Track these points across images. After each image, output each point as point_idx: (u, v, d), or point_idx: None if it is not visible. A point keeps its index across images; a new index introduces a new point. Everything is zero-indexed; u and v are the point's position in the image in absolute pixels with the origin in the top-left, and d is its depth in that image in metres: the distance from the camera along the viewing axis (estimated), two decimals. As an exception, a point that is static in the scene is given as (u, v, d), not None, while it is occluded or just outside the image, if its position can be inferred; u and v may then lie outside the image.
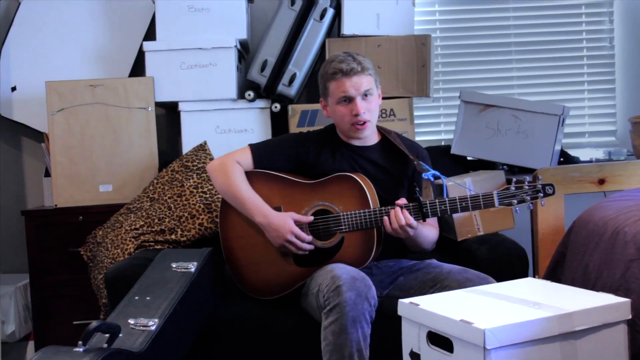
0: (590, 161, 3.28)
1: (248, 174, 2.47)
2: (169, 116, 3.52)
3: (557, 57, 3.76)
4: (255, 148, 2.51)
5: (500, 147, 3.06)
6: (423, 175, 2.35)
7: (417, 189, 2.31)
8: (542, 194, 2.18)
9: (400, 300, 1.92)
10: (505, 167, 3.19)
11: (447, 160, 3.19)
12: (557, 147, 3.06)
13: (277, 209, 2.41)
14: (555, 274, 2.37)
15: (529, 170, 3.02)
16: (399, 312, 1.91)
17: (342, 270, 2.20)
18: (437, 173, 2.36)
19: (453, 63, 3.77)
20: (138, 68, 3.40)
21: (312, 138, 2.53)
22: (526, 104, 3.05)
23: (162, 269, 2.26)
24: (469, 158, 3.26)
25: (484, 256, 2.56)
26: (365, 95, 2.38)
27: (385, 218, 2.28)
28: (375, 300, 2.18)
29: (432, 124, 3.80)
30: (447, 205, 2.25)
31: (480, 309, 1.82)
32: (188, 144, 3.19)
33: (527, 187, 2.19)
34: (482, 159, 3.16)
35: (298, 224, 2.37)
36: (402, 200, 2.29)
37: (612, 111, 3.82)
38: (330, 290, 2.15)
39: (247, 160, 2.48)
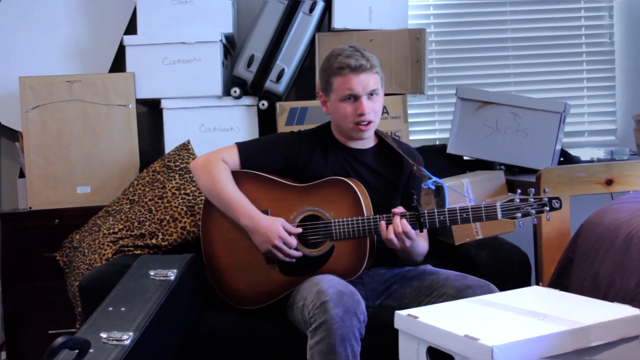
0: (592, 161, 3.19)
1: (234, 174, 2.33)
2: (151, 114, 3.39)
3: (555, 53, 3.66)
4: (242, 147, 2.37)
5: (498, 147, 2.95)
6: (423, 184, 2.21)
7: (414, 197, 2.16)
8: (547, 208, 2.05)
9: (397, 312, 1.77)
10: (502, 167, 3.07)
11: (442, 160, 3.07)
12: (558, 147, 2.94)
13: (265, 212, 2.27)
14: (561, 281, 2.23)
15: (529, 171, 2.91)
16: (396, 325, 1.76)
17: (328, 284, 2.06)
18: (439, 180, 2.22)
19: (448, 59, 3.66)
20: (119, 63, 3.27)
21: (304, 138, 2.39)
22: (526, 100, 2.94)
23: (140, 277, 2.11)
24: (465, 158, 3.16)
25: (484, 261, 2.44)
26: (372, 94, 2.25)
27: (382, 223, 2.15)
28: (364, 315, 2.05)
29: (426, 123, 3.69)
30: (447, 216, 2.12)
31: (485, 322, 1.67)
32: (171, 143, 3.07)
33: (532, 200, 2.05)
34: (479, 159, 3.04)
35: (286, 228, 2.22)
36: (400, 209, 2.17)
37: (612, 109, 3.72)
38: (315, 307, 2.02)
39: (234, 159, 2.34)
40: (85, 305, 2.27)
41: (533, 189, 2.04)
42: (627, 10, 3.66)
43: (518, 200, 2.06)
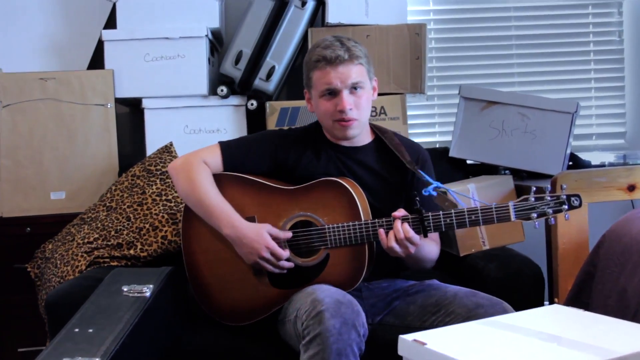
0: (603, 165, 2.98)
1: (217, 176, 2.14)
2: (131, 114, 3.21)
3: (561, 52, 3.50)
4: (225, 146, 2.18)
5: (505, 150, 2.77)
6: (423, 191, 2.00)
7: (417, 198, 1.96)
8: (566, 207, 1.85)
9: (402, 337, 1.55)
10: (507, 171, 2.88)
11: (444, 164, 2.89)
12: (568, 150, 2.76)
13: (250, 219, 2.08)
14: (580, 298, 2.02)
15: (538, 176, 2.72)
16: (400, 352, 1.54)
17: (324, 293, 1.86)
18: (441, 185, 2.02)
19: (448, 58, 3.48)
20: (98, 60, 3.10)
21: (294, 137, 2.20)
22: (535, 100, 2.76)
23: (111, 294, 1.90)
24: (468, 162, 2.97)
25: (493, 275, 2.25)
26: (354, 88, 2.05)
27: (381, 231, 1.95)
28: (365, 329, 1.85)
29: (425, 125, 3.51)
30: (454, 218, 1.92)
31: (504, 349, 1.45)
32: (153, 145, 2.89)
33: (549, 198, 1.85)
34: (484, 163, 2.85)
35: (275, 238, 2.03)
36: (401, 212, 1.97)
37: (621, 111, 3.55)
38: (310, 317, 1.82)
39: (216, 159, 2.15)
40: (52, 324, 2.06)
41: (549, 186, 1.85)
42: (638, 6, 3.51)
43: (533, 199, 1.86)
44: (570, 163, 2.90)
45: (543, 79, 3.48)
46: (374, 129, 2.21)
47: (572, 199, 1.84)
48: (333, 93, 2.05)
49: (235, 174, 2.14)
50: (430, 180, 2.04)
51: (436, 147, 3.31)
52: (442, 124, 3.47)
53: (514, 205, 1.87)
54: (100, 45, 3.04)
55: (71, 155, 2.87)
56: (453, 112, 3.19)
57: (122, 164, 2.89)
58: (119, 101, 2.98)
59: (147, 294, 1.91)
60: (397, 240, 1.92)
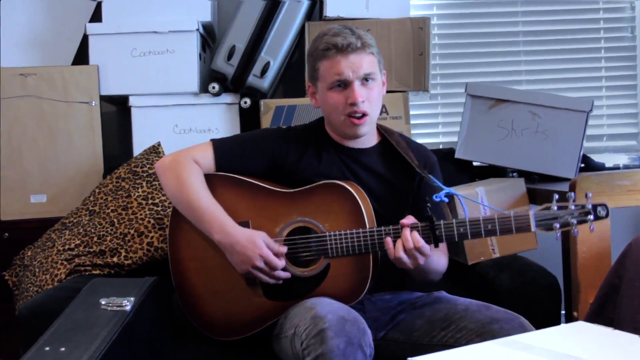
0: (617, 168, 2.87)
1: (208, 177, 1.99)
2: (118, 113, 3.08)
3: (571, 48, 3.37)
4: (218, 144, 2.03)
5: (514, 151, 2.61)
6: (435, 197, 1.85)
7: (428, 205, 1.80)
8: (592, 217, 1.69)
9: None
10: (515, 174, 2.73)
11: (449, 166, 2.73)
12: (582, 151, 2.60)
13: (244, 224, 1.93)
14: (604, 313, 1.86)
15: (550, 179, 2.57)
16: (409, 376, 1.37)
17: (326, 308, 1.70)
18: (452, 191, 1.86)
19: (452, 55, 3.35)
20: (83, 56, 2.94)
21: (294, 135, 2.04)
22: (547, 98, 2.60)
23: (88, 307, 1.73)
24: (475, 163, 2.82)
25: (505, 285, 2.11)
26: (366, 79, 1.90)
27: (388, 240, 1.79)
28: (371, 349, 1.70)
29: (428, 125, 3.37)
30: (468, 227, 1.76)
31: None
32: (140, 146, 2.77)
33: (573, 207, 1.69)
34: (493, 165, 2.70)
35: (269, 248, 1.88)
36: (410, 219, 1.81)
37: (633, 111, 3.41)
38: (311, 336, 1.66)
39: (208, 159, 2.00)
40: (25, 339, 1.90)
41: (573, 194, 1.68)
42: (650, 1, 3.36)
43: (556, 208, 1.70)
44: (582, 165, 2.76)
45: (551, 77, 3.36)
46: (380, 129, 2.06)
47: (599, 208, 1.68)
48: (343, 84, 1.90)
49: (228, 175, 2.00)
50: (442, 186, 1.88)
51: (440, 148, 3.17)
52: (446, 124, 3.35)
53: (535, 215, 1.71)
54: (85, 40, 2.90)
55: (53, 156, 2.76)
56: (457, 111, 3.15)
57: (108, 165, 2.77)
58: (105, 99, 2.86)
59: (128, 308, 1.75)
60: (406, 251, 1.77)
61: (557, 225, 1.69)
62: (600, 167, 2.81)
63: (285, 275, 1.88)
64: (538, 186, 2.46)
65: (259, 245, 1.84)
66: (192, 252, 1.99)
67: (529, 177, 2.61)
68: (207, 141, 2.03)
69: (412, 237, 1.76)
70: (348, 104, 1.89)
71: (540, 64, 3.35)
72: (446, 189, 1.86)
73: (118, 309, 1.74)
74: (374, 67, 1.91)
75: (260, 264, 1.84)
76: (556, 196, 1.71)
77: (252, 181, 1.97)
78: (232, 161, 2.00)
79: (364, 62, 1.88)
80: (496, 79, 3.32)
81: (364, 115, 1.91)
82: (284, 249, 1.88)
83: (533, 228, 1.71)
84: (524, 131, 2.60)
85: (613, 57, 3.39)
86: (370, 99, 1.91)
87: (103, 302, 1.76)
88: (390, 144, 2.02)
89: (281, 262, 1.87)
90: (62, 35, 3.00)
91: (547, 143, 2.57)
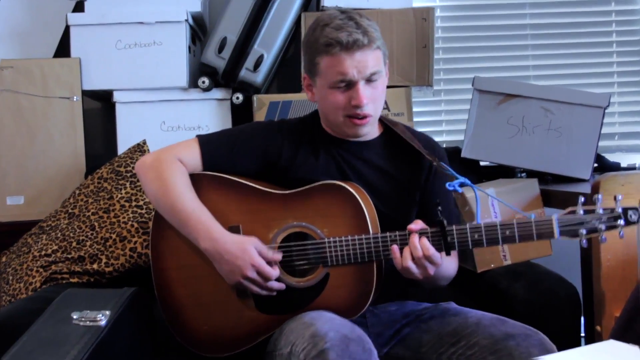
0: (634, 168, 2.72)
1: (194, 177, 1.84)
2: (102, 109, 2.99)
3: (580, 42, 3.24)
4: (205, 141, 1.88)
5: (525, 149, 2.45)
6: (447, 185, 1.69)
7: (439, 208, 1.63)
8: (622, 222, 1.52)
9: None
10: (524, 174, 2.59)
11: (454, 166, 2.52)
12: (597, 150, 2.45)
13: (234, 229, 1.78)
14: (632, 327, 1.69)
15: (564, 179, 2.42)
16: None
17: (327, 325, 1.55)
18: (467, 181, 1.70)
19: (456, 49, 3.22)
20: (65, 48, 2.84)
21: (288, 129, 1.89)
22: (560, 92, 2.44)
23: (57, 322, 1.56)
24: (482, 163, 2.68)
25: (520, 296, 1.95)
26: (370, 80, 1.75)
27: (395, 248, 1.63)
28: (378, 370, 1.54)
29: (431, 123, 3.23)
30: (484, 233, 1.60)
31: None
32: (125, 145, 2.65)
33: (601, 212, 1.53)
34: (502, 165, 2.55)
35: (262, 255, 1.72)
36: (418, 224, 1.65)
37: (646, 108, 3.29)
38: (310, 356, 1.50)
39: (194, 157, 1.85)
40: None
41: (600, 196, 1.52)
42: (665, -7, 3.24)
43: (582, 212, 1.54)
44: (596, 165, 2.61)
45: (560, 72, 3.22)
46: (383, 120, 1.90)
47: (630, 212, 1.51)
48: (347, 84, 1.74)
49: (216, 175, 1.85)
50: (455, 174, 1.73)
51: (444, 147, 3.01)
52: (450, 121, 3.21)
53: (559, 219, 1.54)
54: (67, 32, 2.78)
55: (31, 155, 2.65)
56: (461, 108, 3.05)
57: (90, 165, 2.67)
58: (87, 94, 2.76)
59: (102, 323, 1.58)
60: (414, 260, 1.61)
61: (584, 232, 1.53)
62: (616, 167, 2.66)
63: (280, 286, 1.73)
64: (553, 187, 2.30)
65: (250, 253, 1.68)
66: (177, 260, 1.84)
67: (541, 177, 2.45)
68: (192, 138, 1.88)
69: (421, 245, 1.60)
70: (351, 105, 1.74)
71: (549, 59, 3.23)
72: (461, 178, 1.71)
73: (92, 324, 1.57)
74: (379, 63, 1.75)
75: (252, 274, 1.68)
76: (582, 199, 1.54)
77: (243, 181, 1.82)
78: (220, 159, 1.85)
79: (370, 61, 1.72)
80: (502, 75, 3.19)
81: (366, 116, 1.76)
82: (278, 256, 1.72)
83: (557, 235, 1.55)
84: (536, 128, 2.45)
85: (625, 51, 3.26)
86: (375, 98, 1.76)
87: (75, 317, 1.59)
88: (394, 135, 1.87)
89: (275, 272, 1.71)
90: (43, 26, 2.93)
91: (560, 141, 2.41)
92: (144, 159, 1.86)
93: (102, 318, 1.59)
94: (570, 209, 1.55)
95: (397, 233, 1.65)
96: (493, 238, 1.60)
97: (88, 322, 1.58)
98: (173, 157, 1.82)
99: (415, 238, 1.61)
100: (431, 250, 1.60)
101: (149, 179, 1.82)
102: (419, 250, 1.59)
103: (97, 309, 1.62)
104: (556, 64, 3.22)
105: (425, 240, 1.60)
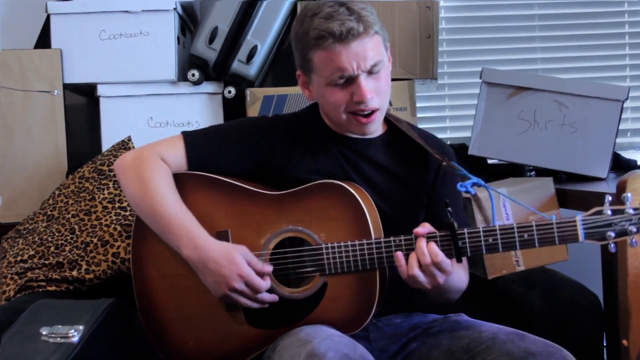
0: None
1: (178, 177, 1.71)
2: (86, 104, 2.88)
3: (591, 34, 3.15)
4: (191, 138, 1.74)
5: (537, 146, 2.33)
6: (459, 185, 1.55)
7: (449, 209, 1.48)
8: None
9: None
10: (533, 172, 2.49)
11: (460, 164, 2.43)
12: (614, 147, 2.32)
13: (222, 234, 1.65)
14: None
15: (580, 178, 2.29)
16: None
17: (325, 343, 1.41)
18: (481, 181, 1.56)
19: (461, 41, 3.11)
20: (47, 38, 2.73)
21: (282, 125, 1.76)
22: (575, 85, 2.31)
23: (24, 339, 1.43)
24: (490, 161, 2.57)
25: (538, 307, 1.85)
26: (372, 72, 1.60)
27: (399, 254, 1.49)
28: (381, 394, 1.39)
29: (435, 119, 3.12)
30: (499, 237, 1.46)
31: None
32: (110, 142, 2.55)
33: (632, 212, 1.39)
34: (513, 163, 2.43)
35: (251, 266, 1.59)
36: (425, 227, 1.51)
37: (660, 104, 3.18)
38: None
39: (178, 155, 1.72)
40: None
41: (630, 195, 1.38)
42: (680, -19, 3.13)
43: (610, 213, 1.39)
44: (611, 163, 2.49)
45: (570, 65, 3.13)
46: (388, 117, 1.76)
47: None
48: (347, 80, 1.59)
49: (202, 174, 1.72)
50: (467, 174, 1.59)
51: (448, 144, 2.90)
52: (454, 117, 3.11)
53: (583, 221, 1.39)
54: (48, 21, 2.68)
55: (9, 154, 2.57)
56: (466, 103, 2.98)
57: (72, 164, 2.58)
58: (69, 88, 2.66)
59: (75, 339, 1.45)
60: (422, 267, 1.46)
61: (612, 235, 1.38)
62: (634, 165, 2.52)
63: (272, 298, 1.59)
64: (567, 187, 2.17)
65: (238, 263, 1.54)
66: (160, 269, 1.71)
67: (555, 176, 2.33)
68: (177, 135, 1.74)
69: (429, 250, 1.45)
70: (354, 101, 1.60)
71: (558, 51, 3.13)
72: (474, 178, 1.57)
73: (63, 340, 1.44)
74: (380, 51, 1.60)
75: (239, 286, 1.54)
76: (609, 198, 1.40)
77: (232, 182, 1.69)
78: (207, 158, 1.72)
79: (369, 50, 1.56)
80: (509, 67, 3.05)
81: (373, 111, 1.62)
82: (269, 268, 1.58)
83: (581, 238, 1.40)
84: (549, 123, 2.33)
85: (638, 43, 3.16)
86: (380, 90, 1.61)
87: (44, 332, 1.46)
88: (399, 133, 1.73)
89: (265, 283, 1.58)
90: (22, 15, 2.85)
91: (575, 137, 2.29)
92: (124, 157, 1.72)
93: (74, 334, 1.46)
94: (595, 209, 1.40)
95: (402, 237, 1.52)
96: (510, 242, 1.45)
97: (59, 339, 1.45)
98: (155, 155, 1.68)
99: (422, 243, 1.47)
100: (440, 257, 1.45)
101: (128, 180, 1.68)
102: (426, 257, 1.45)
103: (70, 323, 1.49)
104: (565, 57, 3.13)
105: (433, 245, 1.46)
